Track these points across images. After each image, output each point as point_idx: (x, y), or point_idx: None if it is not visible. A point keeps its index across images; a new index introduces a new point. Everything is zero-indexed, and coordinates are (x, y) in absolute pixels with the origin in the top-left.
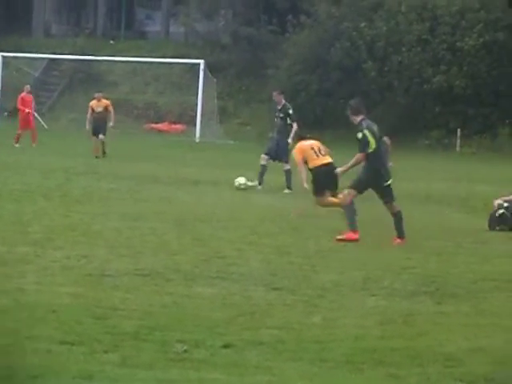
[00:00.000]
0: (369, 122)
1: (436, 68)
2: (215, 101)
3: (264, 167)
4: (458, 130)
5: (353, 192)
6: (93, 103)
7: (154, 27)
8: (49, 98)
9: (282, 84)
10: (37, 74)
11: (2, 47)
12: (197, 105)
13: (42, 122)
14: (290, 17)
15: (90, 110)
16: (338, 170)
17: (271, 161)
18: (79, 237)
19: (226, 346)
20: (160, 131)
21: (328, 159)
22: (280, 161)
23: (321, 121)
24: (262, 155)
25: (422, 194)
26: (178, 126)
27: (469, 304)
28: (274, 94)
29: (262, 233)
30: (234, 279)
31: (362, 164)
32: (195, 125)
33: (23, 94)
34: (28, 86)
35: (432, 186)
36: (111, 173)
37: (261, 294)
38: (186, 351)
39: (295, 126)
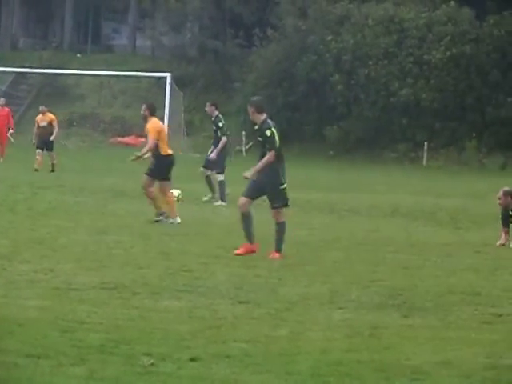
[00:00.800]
0: (271, 121)
1: (403, 81)
2: (182, 114)
3: (221, 182)
4: (425, 143)
5: (247, 200)
6: (38, 118)
7: (121, 41)
8: (16, 112)
9: (249, 98)
10: (4, 88)
11: None
12: (163, 118)
13: (10, 137)
14: (256, 30)
15: (36, 125)
16: (248, 174)
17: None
18: (46, 250)
19: (192, 360)
20: (127, 145)
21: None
22: (211, 170)
23: (287, 134)
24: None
25: (389, 207)
26: (145, 140)
27: (436, 317)
28: (207, 104)
29: (229, 246)
30: (200, 293)
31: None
32: None
33: None
34: (3, 99)
35: (398, 199)
36: (77, 186)
37: (227, 308)
38: (152, 364)
39: (224, 139)
